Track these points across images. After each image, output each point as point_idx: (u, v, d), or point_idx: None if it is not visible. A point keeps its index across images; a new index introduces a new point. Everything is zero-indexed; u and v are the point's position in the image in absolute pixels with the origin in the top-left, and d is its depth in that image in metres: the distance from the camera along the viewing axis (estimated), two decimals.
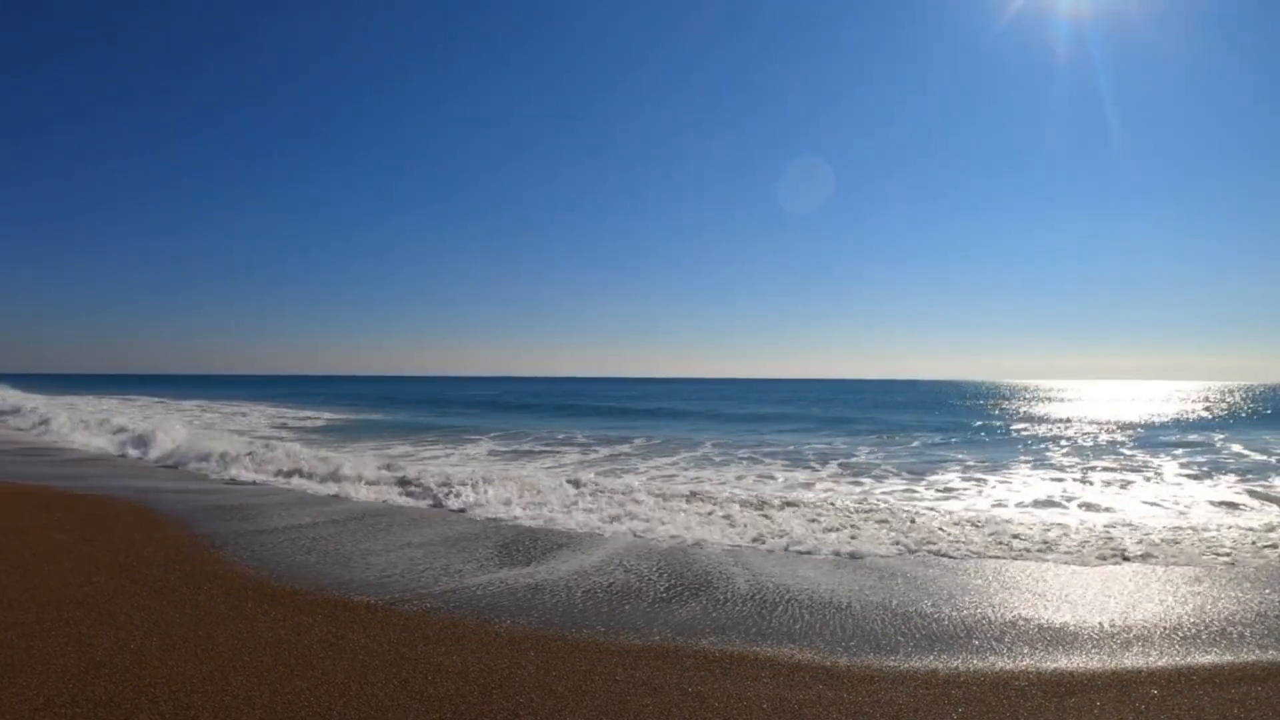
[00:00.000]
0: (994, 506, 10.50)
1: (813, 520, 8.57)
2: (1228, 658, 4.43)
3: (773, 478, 13.46)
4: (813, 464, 15.79)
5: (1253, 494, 11.67)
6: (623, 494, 10.03)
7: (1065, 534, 7.93)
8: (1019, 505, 10.65)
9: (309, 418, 32.29)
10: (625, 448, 19.38)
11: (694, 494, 10.50)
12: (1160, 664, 4.30)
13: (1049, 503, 10.92)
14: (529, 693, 3.77)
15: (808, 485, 12.58)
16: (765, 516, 8.77)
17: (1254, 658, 4.43)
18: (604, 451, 18.40)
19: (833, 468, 15.23)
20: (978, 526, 8.27)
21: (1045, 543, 7.52)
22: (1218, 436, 23.82)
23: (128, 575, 5.89)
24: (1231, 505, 10.57)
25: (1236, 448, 20.12)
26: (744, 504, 9.65)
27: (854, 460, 16.63)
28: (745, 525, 8.22)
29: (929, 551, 7.17)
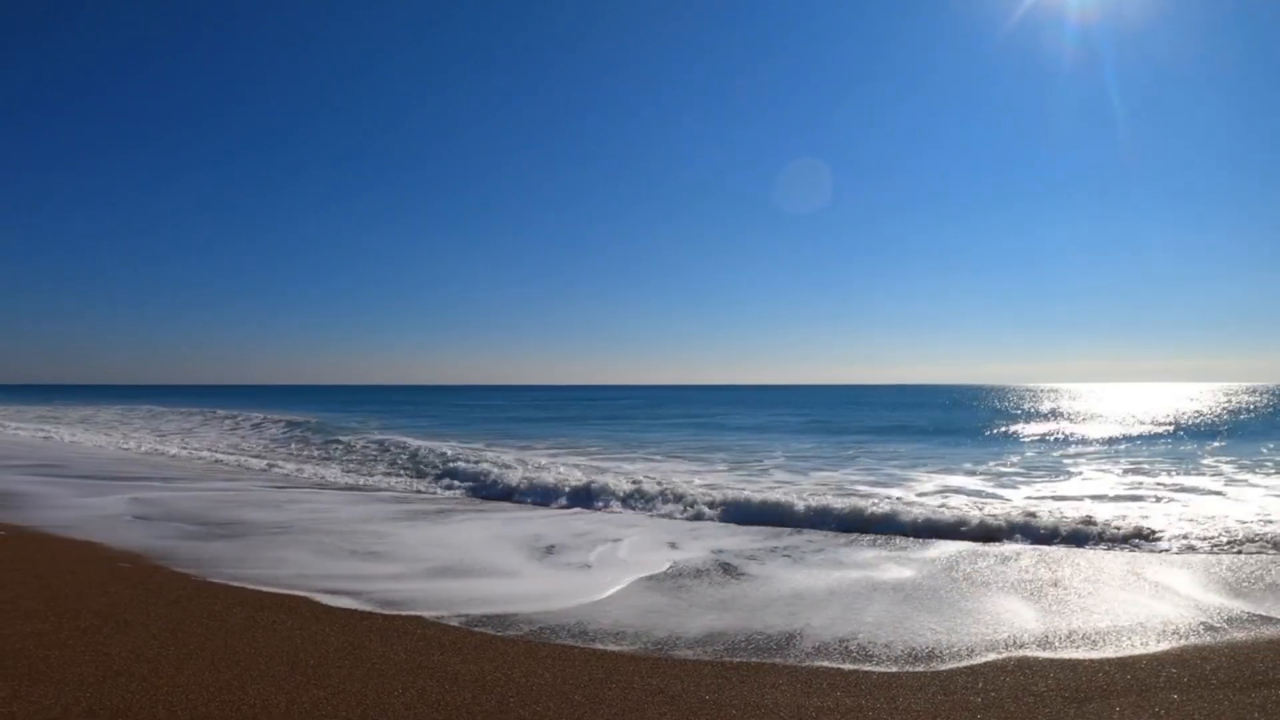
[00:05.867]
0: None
1: None
2: (1246, 662, 4.40)
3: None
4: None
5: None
6: None
7: None
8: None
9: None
10: None
11: None
12: (1179, 669, 4.28)
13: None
14: (546, 701, 3.77)
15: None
16: None
17: (1272, 662, 4.40)
18: None
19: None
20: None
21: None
22: (1210, 446, 23.03)
23: (144, 585, 5.91)
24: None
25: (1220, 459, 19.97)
26: None
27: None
28: None
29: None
